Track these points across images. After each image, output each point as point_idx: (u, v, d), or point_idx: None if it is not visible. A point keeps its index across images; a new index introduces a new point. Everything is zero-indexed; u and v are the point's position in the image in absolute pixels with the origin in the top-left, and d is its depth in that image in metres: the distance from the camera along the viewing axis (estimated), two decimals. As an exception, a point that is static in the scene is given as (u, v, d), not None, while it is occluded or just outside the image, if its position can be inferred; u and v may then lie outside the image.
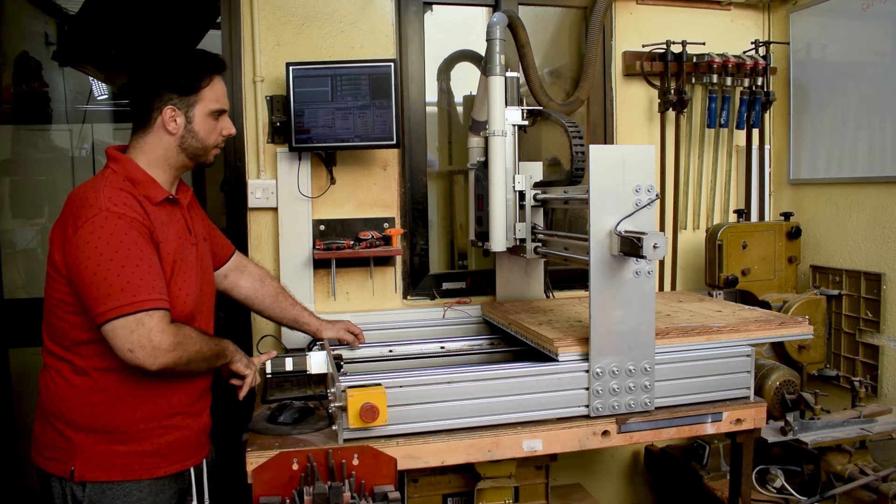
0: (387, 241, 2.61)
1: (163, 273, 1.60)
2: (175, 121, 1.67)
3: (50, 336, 1.66)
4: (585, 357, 1.82)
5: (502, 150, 2.20)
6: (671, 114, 2.93)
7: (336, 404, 1.65)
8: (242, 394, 1.82)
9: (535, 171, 2.35)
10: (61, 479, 1.61)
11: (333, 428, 1.74)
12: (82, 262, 1.52)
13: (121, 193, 1.59)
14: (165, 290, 1.59)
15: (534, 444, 1.77)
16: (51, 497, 1.64)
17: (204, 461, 1.78)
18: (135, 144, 1.70)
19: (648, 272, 1.79)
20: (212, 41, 2.98)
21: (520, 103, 2.29)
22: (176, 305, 1.63)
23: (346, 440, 1.67)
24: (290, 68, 2.40)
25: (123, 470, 1.61)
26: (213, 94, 1.71)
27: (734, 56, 2.91)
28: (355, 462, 1.61)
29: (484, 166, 2.34)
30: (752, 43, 2.98)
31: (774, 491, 2.41)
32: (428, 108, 2.75)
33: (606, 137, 2.94)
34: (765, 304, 2.70)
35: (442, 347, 2.32)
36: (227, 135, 1.77)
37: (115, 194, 1.58)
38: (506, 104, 2.22)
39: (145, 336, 1.51)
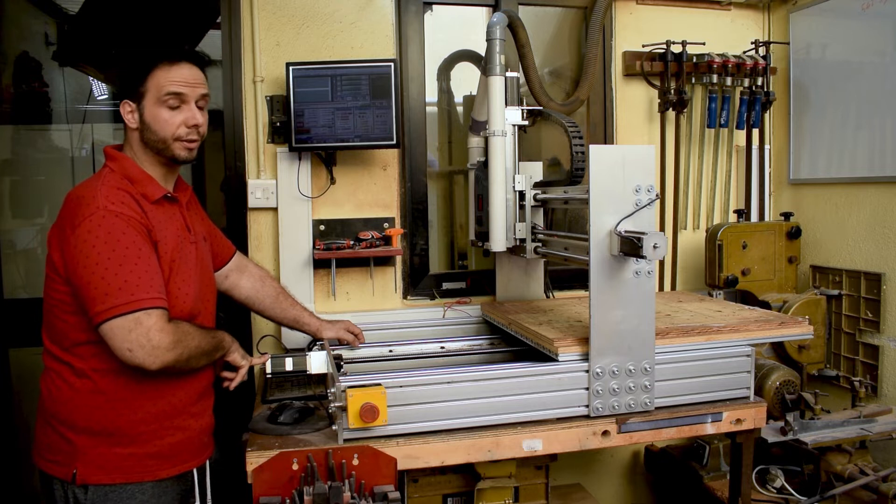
0: (387, 241, 2.61)
1: (161, 272, 1.60)
2: (132, 115, 1.67)
3: (50, 338, 1.65)
4: (585, 357, 1.82)
5: (502, 150, 2.20)
6: (671, 114, 2.93)
7: (336, 404, 1.65)
8: (233, 385, 1.82)
9: (535, 171, 2.35)
10: (63, 481, 1.60)
11: (333, 428, 1.74)
12: (80, 262, 1.52)
13: (118, 192, 1.59)
14: (164, 289, 1.58)
15: (534, 444, 1.77)
16: (53, 500, 1.63)
17: (207, 462, 1.78)
18: (124, 143, 1.72)
19: (648, 272, 1.79)
20: (212, 41, 2.98)
21: (520, 103, 2.29)
22: (175, 304, 1.63)
23: (346, 440, 1.67)
24: (290, 68, 2.40)
25: (126, 472, 1.60)
26: (159, 82, 1.64)
27: (734, 56, 2.91)
28: (355, 462, 1.61)
29: (484, 166, 2.34)
30: (752, 43, 2.98)
31: (774, 491, 2.41)
32: (428, 108, 2.75)
33: (606, 137, 2.94)
34: (765, 304, 2.70)
35: (442, 347, 2.32)
36: (192, 125, 1.67)
37: (113, 193, 1.58)
38: (506, 104, 2.22)
39: (144, 335, 1.50)
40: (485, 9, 2.86)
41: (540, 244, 2.22)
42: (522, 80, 2.45)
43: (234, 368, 1.82)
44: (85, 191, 1.59)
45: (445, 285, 2.77)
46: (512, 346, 2.25)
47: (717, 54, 2.89)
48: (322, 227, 2.60)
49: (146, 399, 1.62)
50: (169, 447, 1.65)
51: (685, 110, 2.92)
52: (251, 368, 1.93)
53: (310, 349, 2.24)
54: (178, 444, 1.67)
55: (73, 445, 1.59)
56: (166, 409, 1.65)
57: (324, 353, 2.02)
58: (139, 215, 1.59)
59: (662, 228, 2.97)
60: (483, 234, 2.36)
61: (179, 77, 1.66)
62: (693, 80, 2.93)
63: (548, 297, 2.64)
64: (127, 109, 1.66)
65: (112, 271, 1.50)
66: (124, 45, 3.26)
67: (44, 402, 1.66)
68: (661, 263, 2.97)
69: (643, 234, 1.64)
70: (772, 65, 3.01)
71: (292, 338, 2.41)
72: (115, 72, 1.70)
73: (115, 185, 1.60)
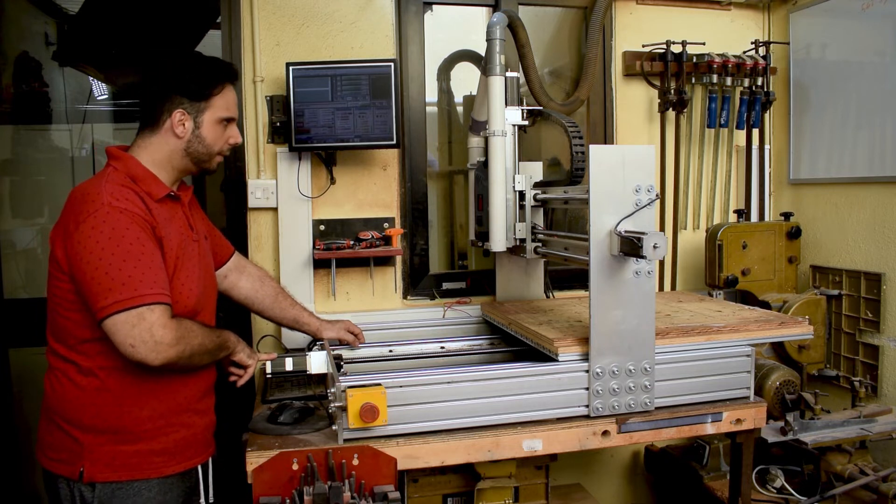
0: (387, 241, 2.61)
1: (166, 269, 1.60)
2: (183, 125, 1.68)
3: (54, 336, 1.65)
4: (585, 357, 1.82)
5: (502, 150, 2.20)
6: (671, 114, 2.93)
7: (336, 404, 1.65)
8: (241, 382, 1.83)
9: (535, 171, 2.35)
10: (69, 480, 1.60)
11: (333, 428, 1.74)
12: (84, 257, 1.52)
13: (123, 189, 1.59)
14: (167, 285, 1.58)
15: (534, 444, 1.77)
16: (58, 499, 1.63)
17: (210, 459, 1.79)
18: (140, 143, 1.70)
19: (648, 272, 1.79)
20: (212, 41, 2.99)
21: (520, 103, 2.29)
22: (179, 301, 1.63)
23: (346, 440, 1.67)
24: (290, 68, 2.40)
25: (132, 469, 1.60)
26: (224, 102, 1.72)
27: (734, 56, 2.91)
28: (355, 462, 1.61)
29: (484, 166, 2.34)
30: (752, 43, 2.98)
31: (774, 491, 2.41)
32: (428, 108, 2.75)
33: (606, 137, 2.94)
34: (765, 304, 2.70)
35: (442, 347, 2.32)
36: (233, 143, 1.78)
37: (117, 190, 1.58)
38: (506, 104, 2.22)
39: (147, 331, 1.50)
40: (485, 9, 2.86)
41: (540, 244, 2.22)
42: (522, 80, 2.45)
43: (242, 366, 1.84)
44: (89, 188, 1.60)
45: (445, 285, 2.77)
46: (512, 346, 2.25)
47: (717, 54, 2.89)
48: (322, 227, 2.60)
49: (152, 396, 1.63)
50: (174, 444, 1.66)
51: (685, 110, 2.92)
52: None
53: (310, 349, 2.24)
54: (183, 441, 1.68)
55: (79, 444, 1.60)
56: (172, 406, 1.66)
57: (324, 353, 2.02)
58: (143, 212, 1.59)
59: (662, 228, 2.97)
60: (483, 234, 2.36)
61: (233, 100, 1.76)
62: (693, 80, 2.93)
63: (548, 297, 2.64)
64: (179, 118, 1.67)
65: (116, 266, 1.51)
66: (124, 45, 3.27)
67: (48, 401, 1.66)
68: (661, 263, 2.97)
69: (643, 234, 1.64)
70: (772, 65, 3.01)
71: (292, 338, 2.41)
72: (170, 81, 1.69)
73: (120, 183, 1.61)
